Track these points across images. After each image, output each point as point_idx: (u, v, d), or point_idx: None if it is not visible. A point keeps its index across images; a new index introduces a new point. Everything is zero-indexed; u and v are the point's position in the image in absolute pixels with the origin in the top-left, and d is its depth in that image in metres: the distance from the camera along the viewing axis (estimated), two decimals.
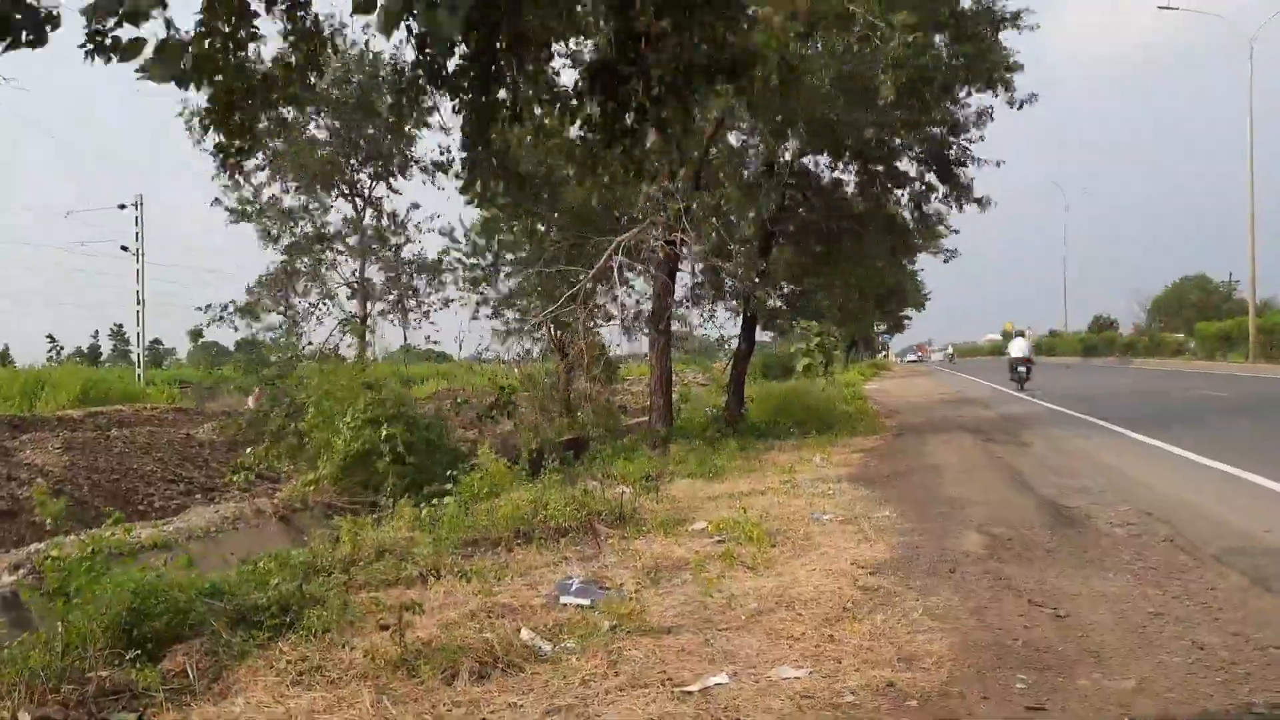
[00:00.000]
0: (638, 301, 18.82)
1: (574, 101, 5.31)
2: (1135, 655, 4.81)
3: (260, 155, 19.70)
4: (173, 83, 4.34)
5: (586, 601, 6.05)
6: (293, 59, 4.82)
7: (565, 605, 6.03)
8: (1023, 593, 6.06)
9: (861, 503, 9.77)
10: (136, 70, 4.03)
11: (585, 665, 4.84)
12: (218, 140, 4.91)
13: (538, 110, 5.40)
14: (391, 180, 22.53)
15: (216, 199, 20.62)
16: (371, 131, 21.21)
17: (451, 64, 5.03)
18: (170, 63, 4.15)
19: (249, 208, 20.79)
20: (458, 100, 5.17)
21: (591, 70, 5.14)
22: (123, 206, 41.22)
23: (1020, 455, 13.58)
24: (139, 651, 5.01)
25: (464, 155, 5.51)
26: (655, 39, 4.68)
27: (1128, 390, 28.57)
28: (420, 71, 5.11)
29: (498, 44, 4.86)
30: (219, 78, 4.46)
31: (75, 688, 4.64)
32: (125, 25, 3.84)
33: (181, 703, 4.56)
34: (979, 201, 18.82)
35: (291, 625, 5.54)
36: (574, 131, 5.67)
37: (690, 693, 4.44)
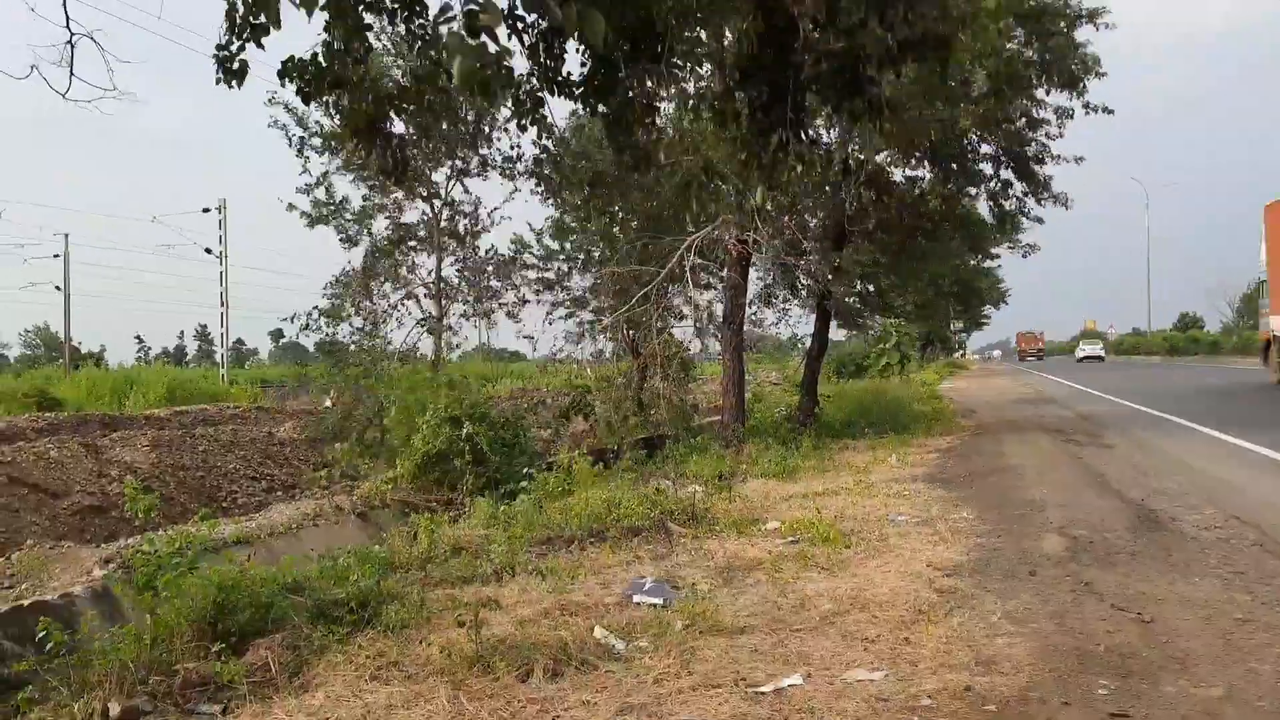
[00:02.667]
0: (710, 302, 18.79)
1: (717, 101, 5.31)
2: (1223, 662, 4.66)
3: (341, 157, 20.05)
4: (303, 99, 4.53)
5: (659, 601, 6.06)
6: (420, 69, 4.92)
7: (638, 604, 6.04)
8: (1105, 597, 5.92)
9: (938, 504, 9.63)
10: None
11: (658, 664, 4.85)
12: (383, 165, 5.06)
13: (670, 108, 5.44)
14: (466, 180, 22.75)
15: (291, 204, 20.97)
16: (447, 128, 21.41)
17: (569, 71, 5.08)
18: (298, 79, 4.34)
19: (324, 210, 21.13)
20: (588, 106, 5.22)
21: (740, 65, 5.11)
22: (206, 210, 42.43)
23: (1102, 456, 13.24)
24: (223, 645, 5.16)
25: (617, 158, 5.57)
26: (820, 24, 4.62)
27: (1212, 389, 27.68)
28: (535, 80, 5.16)
29: (617, 46, 4.88)
30: (346, 92, 4.61)
31: (163, 679, 4.79)
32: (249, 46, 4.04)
33: (264, 695, 4.67)
34: (1058, 199, 18.41)
35: (370, 621, 5.65)
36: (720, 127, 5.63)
37: (764, 693, 4.42)
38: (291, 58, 4.58)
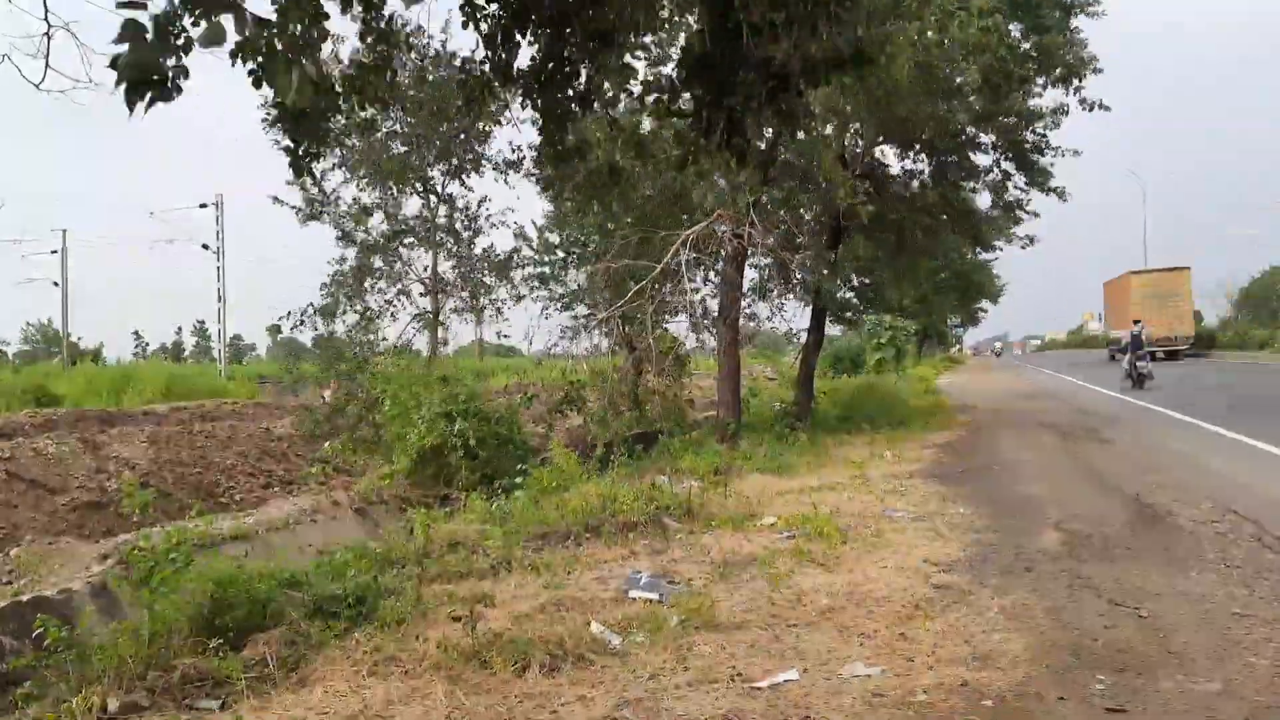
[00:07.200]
0: (704, 298, 18.79)
1: (665, 96, 5.30)
2: (1220, 657, 4.68)
3: (337, 154, 19.99)
4: (254, 84, 4.45)
5: (655, 596, 6.07)
6: (368, 60, 4.87)
7: (634, 599, 6.05)
8: (1102, 592, 5.93)
9: (934, 499, 9.64)
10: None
11: (654, 659, 4.86)
12: (287, 145, 4.98)
13: (621, 105, 5.41)
14: (464, 178, 22.76)
15: (276, 197, 20.97)
16: (444, 129, 21.42)
17: (523, 62, 5.05)
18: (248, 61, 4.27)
19: (317, 206, 21.17)
20: (531, 98, 5.19)
21: (688, 64, 5.11)
22: (204, 205, 42.33)
23: (1099, 451, 13.26)
24: (221, 640, 5.16)
25: (544, 150, 5.56)
26: (760, 31, 4.63)
27: (1210, 384, 27.71)
28: (488, 69, 5.14)
29: (570, 41, 4.86)
30: (292, 80, 4.53)
31: (161, 675, 4.80)
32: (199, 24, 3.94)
33: (262, 691, 4.68)
34: (1056, 191, 18.39)
35: (367, 616, 5.66)
36: (670, 123, 5.63)
37: (760, 689, 4.43)
38: (248, 38, 4.51)
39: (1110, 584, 6.10)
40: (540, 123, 5.33)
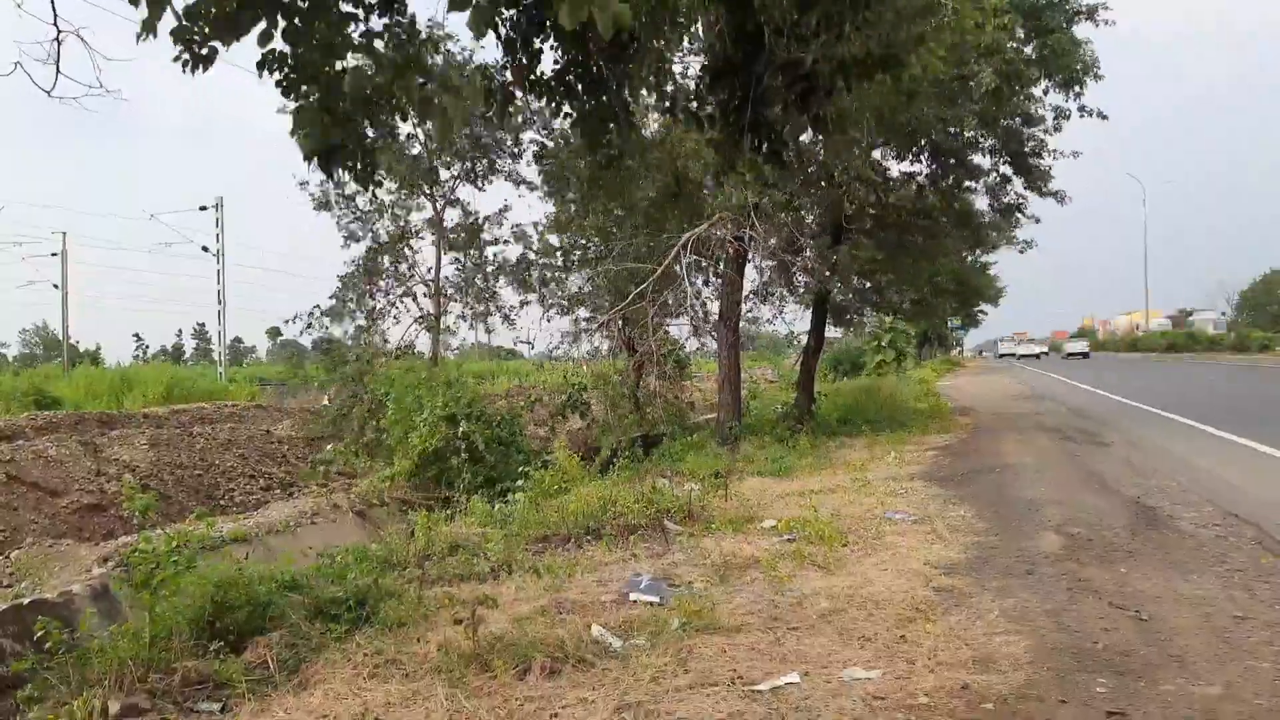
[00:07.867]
0: (705, 301, 18.79)
1: (694, 102, 5.28)
2: (1221, 660, 4.68)
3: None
4: (282, 93, 4.45)
5: (656, 599, 6.06)
6: (391, 64, 4.84)
7: (634, 602, 6.05)
8: (1103, 595, 5.93)
9: (935, 502, 9.63)
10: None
11: (655, 662, 4.85)
12: (350, 171, 4.96)
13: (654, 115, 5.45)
14: (476, 183, 22.86)
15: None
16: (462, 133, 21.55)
17: (546, 69, 5.04)
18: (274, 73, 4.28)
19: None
20: (555, 104, 5.18)
21: (713, 67, 5.10)
22: (204, 208, 42.35)
23: (1098, 453, 13.26)
24: (222, 643, 5.17)
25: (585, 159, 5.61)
26: (782, 33, 4.61)
27: (1207, 387, 27.72)
28: (509, 76, 5.13)
29: (590, 46, 4.85)
30: (316, 87, 4.53)
31: (162, 677, 4.80)
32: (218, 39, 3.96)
33: (262, 694, 4.67)
34: (1055, 195, 18.38)
35: (368, 619, 5.65)
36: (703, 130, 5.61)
37: (760, 691, 4.43)
38: (272, 50, 4.49)
39: (1111, 587, 6.10)
40: (577, 131, 5.33)
